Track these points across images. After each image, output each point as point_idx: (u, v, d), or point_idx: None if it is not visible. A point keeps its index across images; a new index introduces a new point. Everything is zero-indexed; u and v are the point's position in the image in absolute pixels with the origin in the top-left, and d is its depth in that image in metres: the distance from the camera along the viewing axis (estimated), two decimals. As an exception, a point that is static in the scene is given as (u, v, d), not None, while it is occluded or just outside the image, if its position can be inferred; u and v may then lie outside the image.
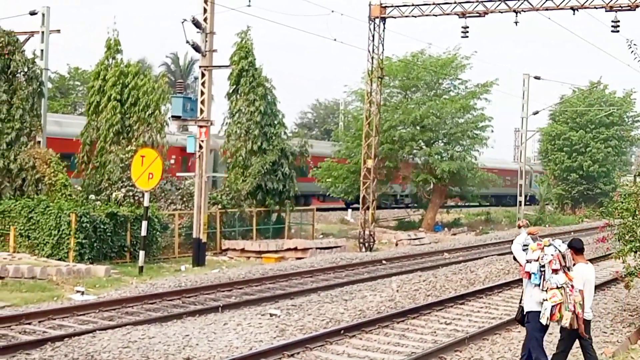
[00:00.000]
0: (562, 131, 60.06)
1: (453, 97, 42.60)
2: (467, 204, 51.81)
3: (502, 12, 29.74)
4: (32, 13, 28.07)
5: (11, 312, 15.25)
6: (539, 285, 9.84)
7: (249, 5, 25.70)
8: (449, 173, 39.74)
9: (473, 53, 42.16)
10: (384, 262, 26.43)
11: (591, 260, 28.06)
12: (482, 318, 16.20)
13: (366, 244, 31.66)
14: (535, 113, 49.57)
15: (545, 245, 9.94)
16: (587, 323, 10.36)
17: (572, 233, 41.08)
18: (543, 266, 9.83)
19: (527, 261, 9.97)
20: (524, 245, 10.20)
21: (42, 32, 27.98)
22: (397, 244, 34.83)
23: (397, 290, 18.70)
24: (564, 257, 9.90)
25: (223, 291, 18.91)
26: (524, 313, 10.19)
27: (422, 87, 42.81)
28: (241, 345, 12.87)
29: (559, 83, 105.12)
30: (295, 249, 27.84)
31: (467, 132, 42.08)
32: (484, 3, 29.92)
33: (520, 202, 47.14)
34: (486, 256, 27.45)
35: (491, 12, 29.90)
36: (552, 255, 9.83)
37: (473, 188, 44.31)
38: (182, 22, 23.93)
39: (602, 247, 21.16)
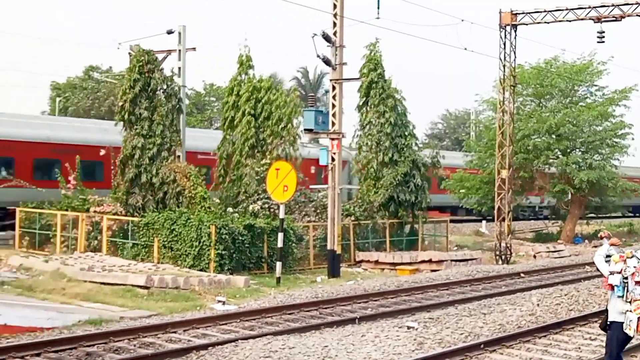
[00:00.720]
0: None
1: (590, 104, 41.04)
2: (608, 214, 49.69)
3: (639, 16, 28.52)
4: (169, 32, 29.16)
5: (157, 321, 15.84)
6: (622, 297, 9.83)
7: (377, 18, 25.72)
8: (588, 183, 38.29)
9: (609, 58, 40.46)
10: (522, 275, 25.77)
11: None
12: (630, 334, 15.44)
13: (502, 257, 30.93)
14: (680, 119, 47.01)
15: (627, 257, 9.84)
16: None
17: None
18: (626, 278, 9.76)
19: (610, 273, 9.92)
20: (607, 257, 10.13)
21: (179, 51, 29.01)
22: (535, 257, 33.85)
23: (538, 305, 18.14)
24: None
25: (359, 303, 18.95)
26: (608, 322, 10.19)
27: (556, 95, 41.54)
28: (380, 357, 12.82)
29: None
30: (430, 261, 27.54)
31: (605, 140, 40.43)
32: (620, 7, 28.77)
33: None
34: (631, 269, 26.21)
35: (628, 15, 28.70)
36: (634, 267, 9.75)
37: (614, 198, 42.47)
38: (313, 37, 24.27)
39: None
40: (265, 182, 24.82)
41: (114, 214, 25.87)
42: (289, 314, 17.15)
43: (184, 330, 15.07)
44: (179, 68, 28.97)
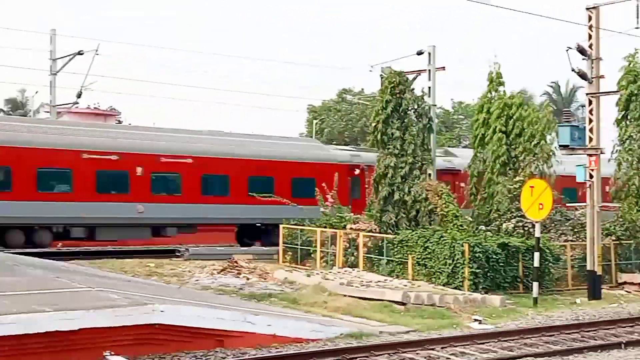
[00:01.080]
0: None
1: None
2: None
3: None
4: (419, 53, 29.68)
5: (415, 337, 16.15)
6: None
7: (637, 27, 24.38)
8: None
9: None
10: None
11: None
12: None
13: None
14: None
15: None
16: None
17: None
18: None
19: None
20: None
21: (429, 71, 29.43)
22: None
23: None
24: None
25: (624, 327, 18.01)
26: None
27: None
28: (652, 386, 12.12)
29: None
30: (703, 284, 25.48)
31: None
32: None
33: None
34: None
35: None
36: None
37: None
38: (567, 50, 23.65)
39: None
40: (518, 200, 24.47)
41: (369, 232, 26.71)
42: (549, 335, 16.69)
43: (442, 348, 15.17)
44: (429, 88, 29.37)
